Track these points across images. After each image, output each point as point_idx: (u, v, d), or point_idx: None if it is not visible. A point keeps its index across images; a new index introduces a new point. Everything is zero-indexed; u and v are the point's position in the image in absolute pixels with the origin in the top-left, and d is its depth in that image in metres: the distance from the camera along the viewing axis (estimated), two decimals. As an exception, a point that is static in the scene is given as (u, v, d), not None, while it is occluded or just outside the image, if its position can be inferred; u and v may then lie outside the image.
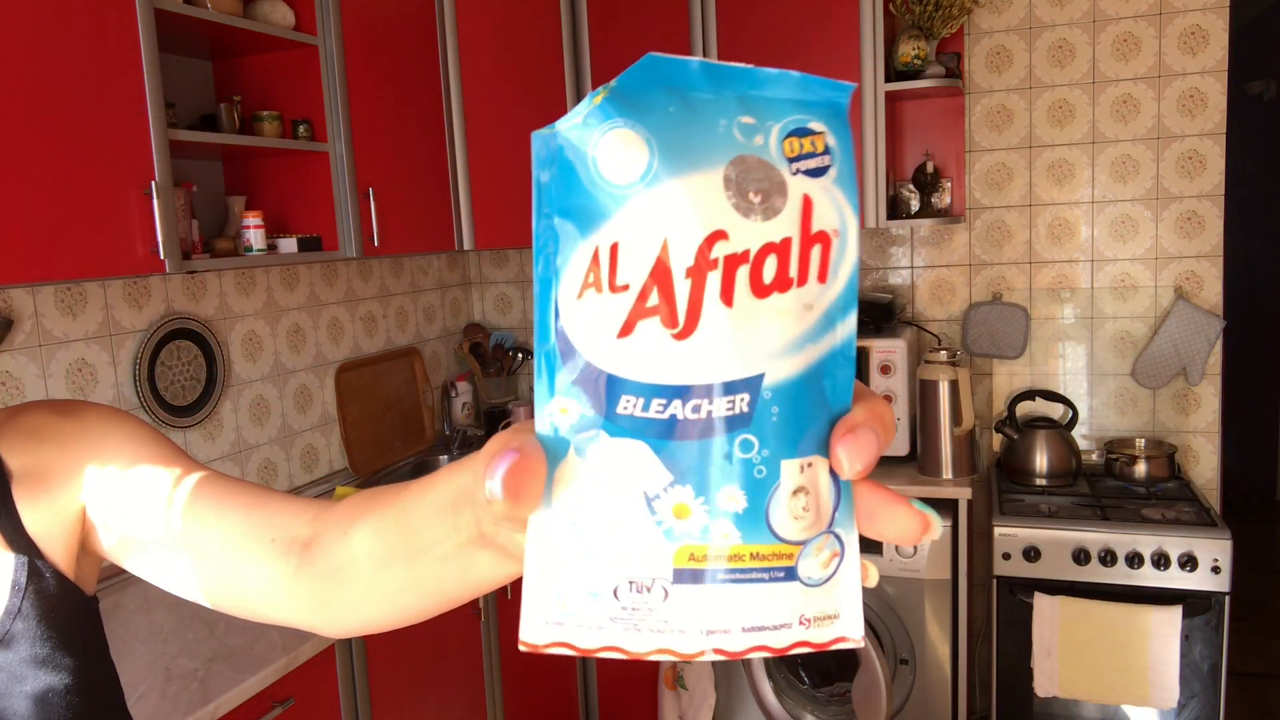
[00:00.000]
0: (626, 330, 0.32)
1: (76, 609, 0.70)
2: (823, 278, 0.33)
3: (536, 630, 0.34)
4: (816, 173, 0.33)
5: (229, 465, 2.40)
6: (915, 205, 2.87)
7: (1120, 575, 2.28)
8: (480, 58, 2.84)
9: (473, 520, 0.45)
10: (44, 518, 0.70)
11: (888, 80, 2.57)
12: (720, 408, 0.32)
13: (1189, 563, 2.22)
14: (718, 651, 0.34)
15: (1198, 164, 2.66)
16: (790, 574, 0.34)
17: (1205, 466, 2.75)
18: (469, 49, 2.83)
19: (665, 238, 0.32)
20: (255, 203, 2.35)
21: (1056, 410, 2.79)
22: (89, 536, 0.72)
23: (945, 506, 2.43)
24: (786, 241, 0.32)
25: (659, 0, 2.72)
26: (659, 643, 0.34)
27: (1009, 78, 2.79)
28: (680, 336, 0.32)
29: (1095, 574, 2.30)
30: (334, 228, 2.33)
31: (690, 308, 0.32)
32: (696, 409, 0.32)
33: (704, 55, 2.68)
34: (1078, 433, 2.80)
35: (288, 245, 2.24)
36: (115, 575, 2.05)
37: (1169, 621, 2.18)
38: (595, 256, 0.32)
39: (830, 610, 0.35)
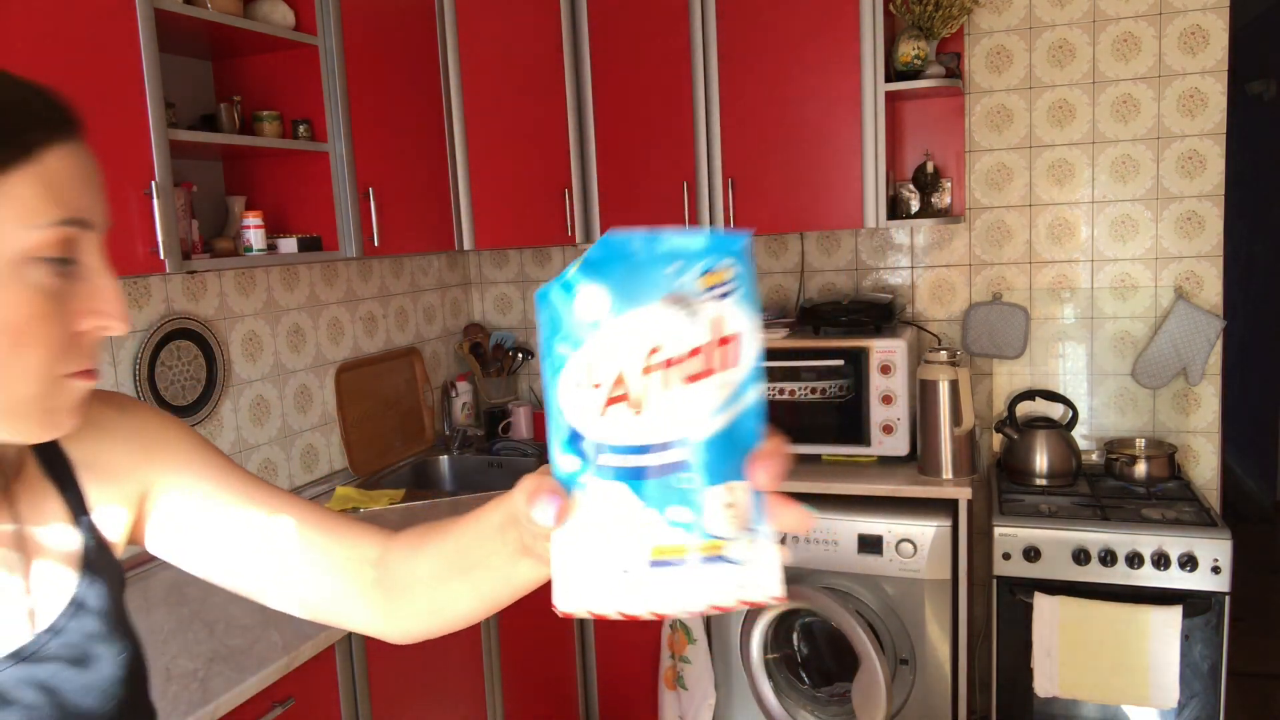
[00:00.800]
0: (602, 413, 0.49)
1: (122, 588, 0.78)
2: (733, 365, 0.49)
3: (565, 601, 0.53)
4: (724, 295, 0.49)
5: (229, 465, 2.39)
6: (915, 205, 2.87)
7: (1120, 575, 2.28)
8: (480, 58, 2.84)
9: (517, 537, 0.62)
10: (106, 505, 0.76)
11: (888, 80, 2.57)
12: (669, 457, 0.49)
13: (1189, 563, 2.22)
14: (685, 611, 0.51)
15: (1198, 164, 2.66)
16: (724, 559, 0.50)
17: (1205, 466, 2.75)
18: (469, 49, 2.83)
19: (622, 352, 0.48)
20: (255, 203, 2.35)
21: (1056, 410, 2.79)
22: (137, 527, 0.79)
23: (945, 506, 2.43)
24: (705, 345, 0.48)
25: (659, 1, 2.71)
26: (646, 606, 0.51)
27: (1009, 78, 2.79)
28: (638, 414, 0.49)
29: (1095, 574, 2.29)
30: (334, 228, 2.33)
31: (643, 396, 0.49)
32: (653, 459, 0.49)
33: (704, 55, 2.68)
34: (1078, 433, 2.80)
35: (288, 245, 2.24)
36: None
37: (1169, 621, 2.18)
38: (580, 367, 0.49)
39: (757, 580, 0.51)
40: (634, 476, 0.50)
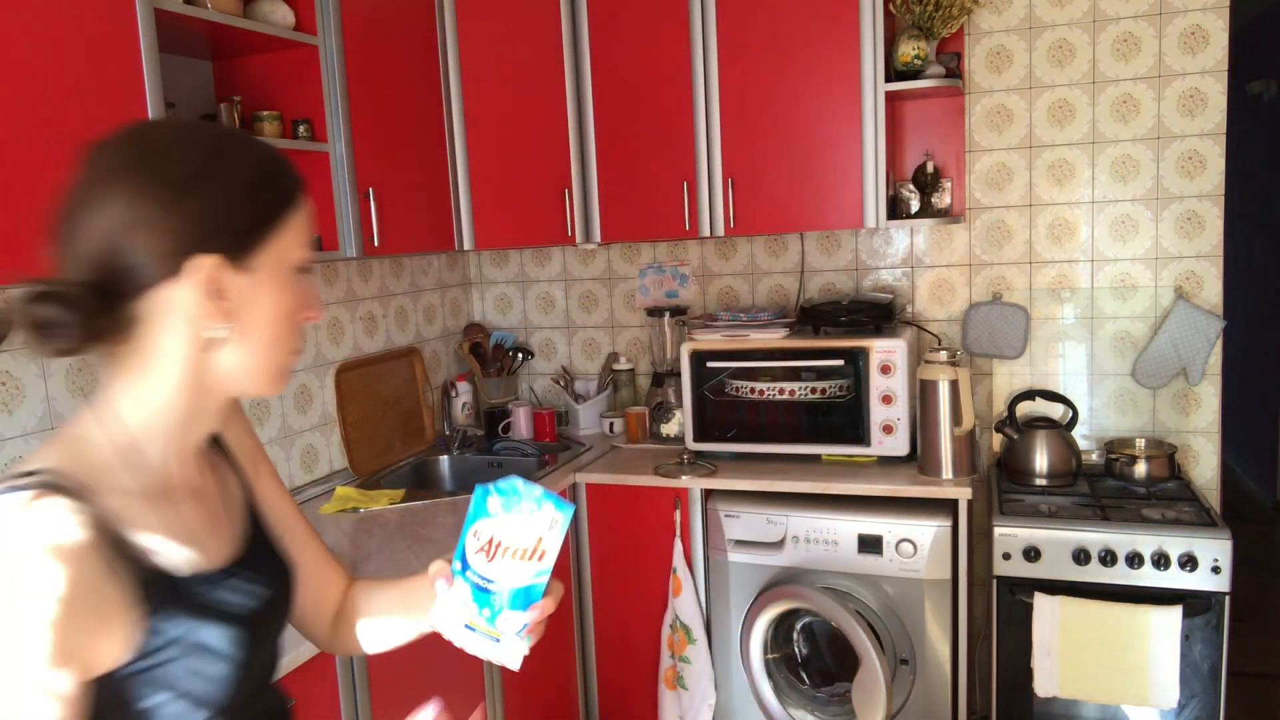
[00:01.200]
0: (476, 553, 0.95)
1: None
2: (539, 562, 0.92)
3: (436, 624, 0.99)
4: (550, 528, 0.92)
5: (229, 465, 2.39)
6: (915, 205, 2.87)
7: (1120, 575, 2.28)
8: (480, 58, 2.84)
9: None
10: (248, 479, 1.04)
11: (888, 80, 2.57)
12: (493, 588, 0.94)
13: (1189, 563, 2.22)
14: (470, 651, 0.95)
15: (1198, 164, 2.66)
16: (495, 640, 0.94)
17: (1205, 466, 2.75)
18: (469, 49, 2.83)
19: (492, 533, 0.94)
20: (255, 203, 2.35)
21: (1056, 410, 2.79)
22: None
23: (945, 506, 2.43)
24: (529, 548, 0.92)
25: (659, 1, 2.71)
26: (458, 642, 0.96)
27: (1009, 78, 2.79)
28: (489, 562, 0.94)
29: (1095, 574, 2.29)
30: (334, 228, 2.33)
31: (493, 557, 0.94)
32: (486, 585, 0.94)
33: (704, 55, 2.68)
34: (1078, 433, 2.80)
35: (288, 245, 2.24)
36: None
37: (1169, 621, 2.18)
38: (476, 530, 0.95)
39: (507, 655, 0.95)
40: (477, 588, 0.94)
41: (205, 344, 0.83)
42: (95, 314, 0.79)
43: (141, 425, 0.86)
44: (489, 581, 0.93)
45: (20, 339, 0.80)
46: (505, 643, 0.93)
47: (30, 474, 0.77)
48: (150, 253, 0.79)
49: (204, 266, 0.80)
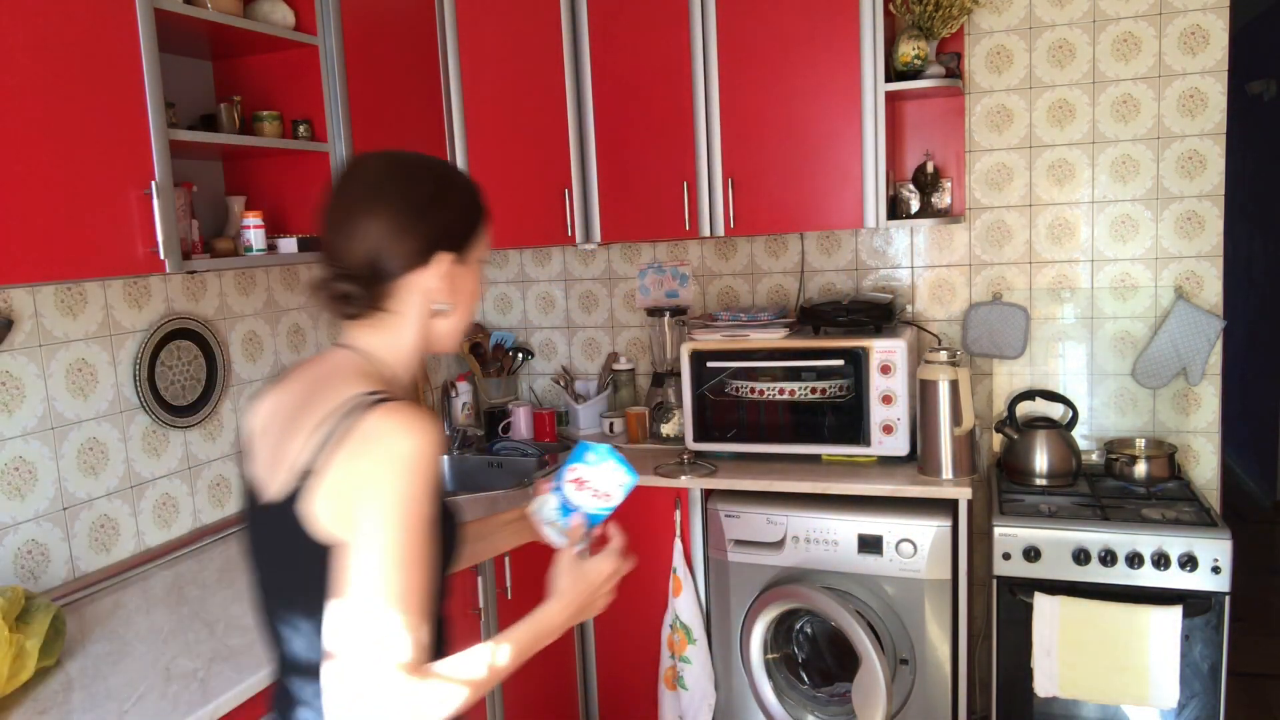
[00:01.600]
0: (568, 483, 1.35)
1: None
2: (607, 499, 1.32)
3: (534, 516, 1.41)
4: (620, 484, 1.32)
5: (229, 465, 2.40)
6: (915, 205, 2.87)
7: (1120, 575, 2.28)
8: (480, 58, 2.84)
9: (516, 529, 1.47)
10: None
11: (888, 80, 2.57)
12: (573, 507, 1.34)
13: (1189, 563, 2.22)
14: (546, 534, 1.38)
15: (1198, 164, 2.66)
16: (564, 538, 1.33)
17: (1205, 466, 2.75)
18: (469, 49, 2.83)
19: (582, 474, 1.33)
20: (255, 203, 2.35)
21: (1056, 410, 2.79)
22: None
23: (945, 506, 2.43)
24: (601, 490, 1.32)
25: (659, 1, 2.71)
26: (548, 537, 1.37)
27: (1009, 78, 2.79)
28: (578, 491, 1.34)
29: (1095, 574, 2.29)
30: (334, 228, 2.33)
31: (580, 487, 1.33)
32: (570, 503, 1.34)
33: (704, 55, 2.68)
34: (1078, 433, 2.80)
35: (288, 245, 2.25)
36: (114, 575, 2.05)
37: (1169, 621, 2.18)
38: (573, 469, 1.34)
39: (560, 539, 1.34)
40: (564, 504, 1.33)
41: (433, 314, 1.17)
42: (372, 291, 1.12)
43: (391, 364, 1.17)
44: (570, 501, 1.32)
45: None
46: (562, 539, 1.33)
47: (373, 394, 1.06)
48: (407, 251, 1.12)
49: (443, 261, 1.15)
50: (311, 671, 1.08)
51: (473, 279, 1.21)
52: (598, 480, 1.31)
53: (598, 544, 1.29)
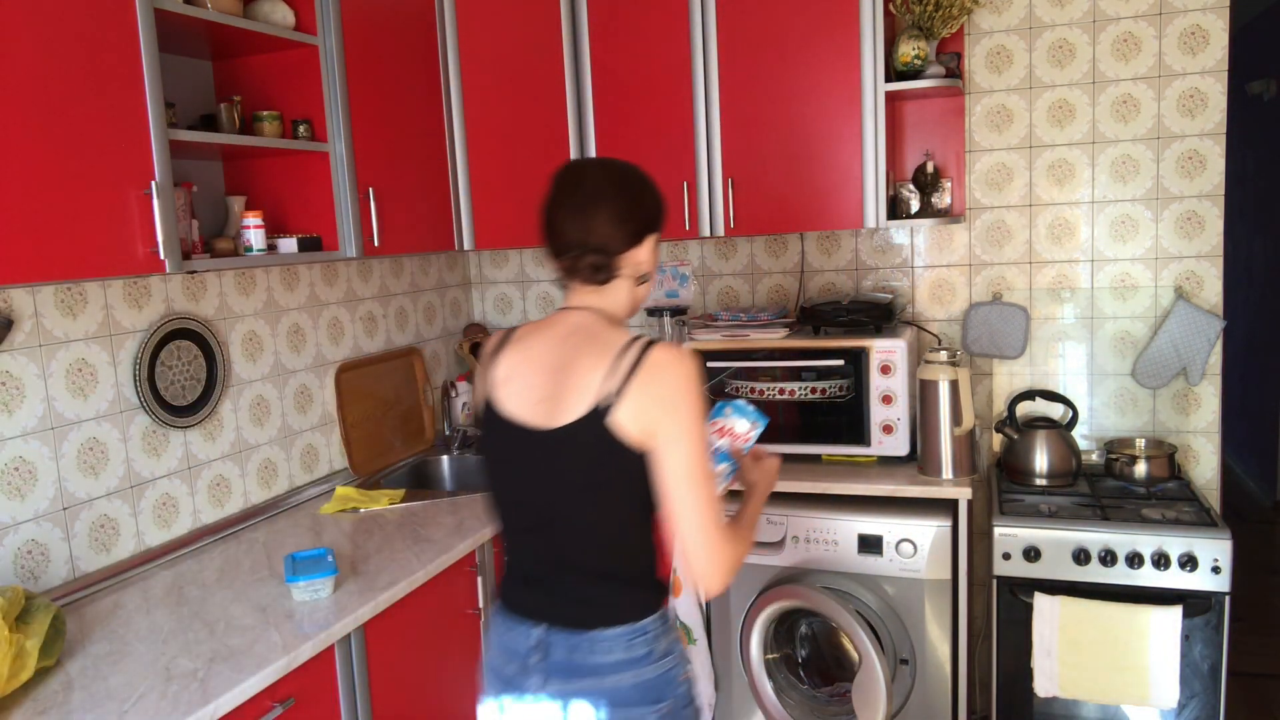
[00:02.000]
0: (714, 430, 1.71)
1: None
2: (742, 441, 1.70)
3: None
4: (753, 426, 1.70)
5: (229, 465, 2.40)
6: (915, 205, 2.87)
7: (1120, 575, 2.28)
8: (480, 58, 2.84)
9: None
10: None
11: (888, 80, 2.57)
12: (719, 450, 1.71)
13: (1189, 563, 2.22)
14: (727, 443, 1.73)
15: (1198, 164, 2.66)
16: (729, 460, 1.72)
17: (1205, 466, 2.75)
18: (469, 49, 2.83)
19: (726, 424, 1.70)
20: (255, 203, 2.35)
21: (1056, 410, 2.79)
22: None
23: (945, 506, 2.43)
24: (743, 433, 1.70)
25: (659, 1, 2.71)
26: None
27: (1009, 78, 2.79)
28: (719, 440, 1.70)
29: (1095, 574, 2.30)
30: (334, 228, 2.33)
31: (721, 437, 1.70)
32: (720, 445, 1.72)
33: (704, 55, 2.68)
34: (1078, 433, 2.80)
35: (288, 245, 2.24)
36: (114, 575, 2.05)
37: (1169, 621, 2.18)
38: (720, 418, 1.71)
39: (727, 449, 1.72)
40: (717, 449, 1.66)
41: (638, 281, 1.54)
42: (610, 264, 1.48)
43: (620, 317, 1.54)
44: (715, 443, 1.65)
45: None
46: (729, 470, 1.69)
47: (639, 338, 1.42)
48: (628, 234, 1.48)
49: (650, 240, 1.52)
50: (602, 571, 1.52)
51: (657, 254, 1.57)
52: (736, 425, 1.67)
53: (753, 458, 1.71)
